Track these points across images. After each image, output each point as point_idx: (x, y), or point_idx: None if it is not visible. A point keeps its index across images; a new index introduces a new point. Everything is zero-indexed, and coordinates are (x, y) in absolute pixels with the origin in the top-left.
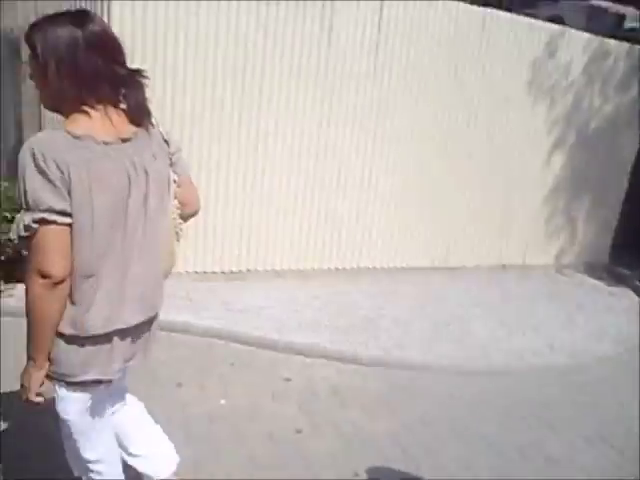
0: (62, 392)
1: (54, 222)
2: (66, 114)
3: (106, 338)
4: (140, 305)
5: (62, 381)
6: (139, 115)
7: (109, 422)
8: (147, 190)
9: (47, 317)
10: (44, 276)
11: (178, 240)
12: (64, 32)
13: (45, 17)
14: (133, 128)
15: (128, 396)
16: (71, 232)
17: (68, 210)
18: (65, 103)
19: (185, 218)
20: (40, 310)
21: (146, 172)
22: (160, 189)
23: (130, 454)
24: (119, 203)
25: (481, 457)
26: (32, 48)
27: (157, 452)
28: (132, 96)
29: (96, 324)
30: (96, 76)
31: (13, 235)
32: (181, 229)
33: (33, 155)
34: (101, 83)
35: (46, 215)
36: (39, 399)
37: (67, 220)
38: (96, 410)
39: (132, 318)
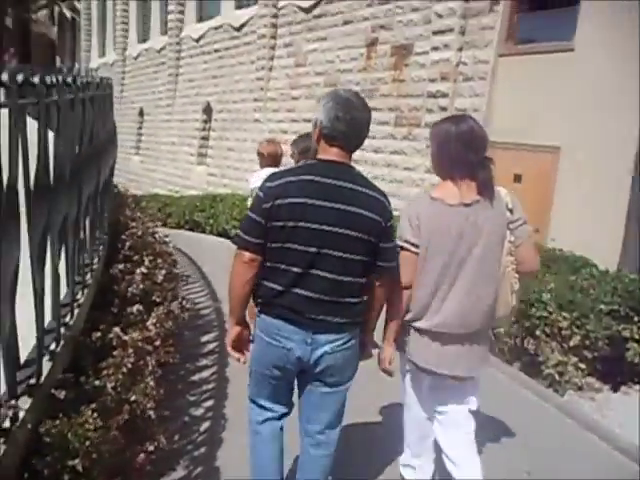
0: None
1: (407, 250)
2: (439, 181)
3: (433, 337)
4: (458, 321)
5: (411, 361)
6: (484, 189)
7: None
8: (475, 242)
9: (395, 312)
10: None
11: (513, 291)
12: (444, 128)
13: (444, 118)
14: (477, 197)
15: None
16: (418, 258)
17: (417, 243)
18: (439, 174)
19: (522, 274)
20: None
21: (478, 229)
22: (488, 244)
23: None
24: (450, 247)
25: None
26: (430, 137)
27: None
28: (481, 175)
29: (422, 324)
30: (457, 160)
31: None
32: (516, 282)
33: (407, 209)
34: (460, 165)
35: (404, 244)
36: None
37: (415, 249)
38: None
39: (450, 328)
